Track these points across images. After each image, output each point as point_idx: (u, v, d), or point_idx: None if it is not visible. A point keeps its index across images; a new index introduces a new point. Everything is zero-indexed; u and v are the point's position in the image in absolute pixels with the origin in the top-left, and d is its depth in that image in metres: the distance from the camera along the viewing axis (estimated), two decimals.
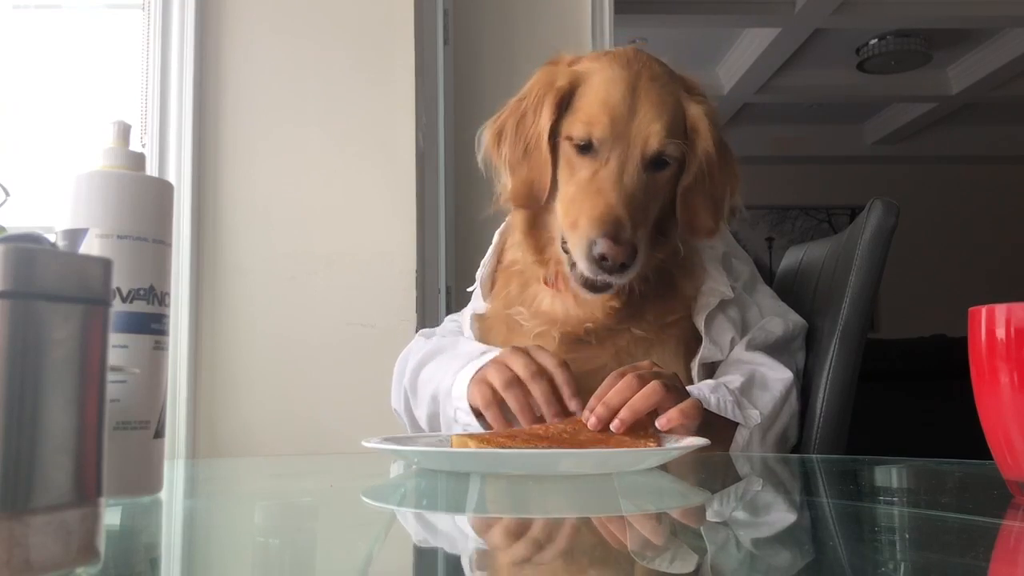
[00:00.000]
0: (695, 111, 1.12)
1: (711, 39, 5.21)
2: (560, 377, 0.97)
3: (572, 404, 0.95)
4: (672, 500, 0.76)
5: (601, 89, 1.09)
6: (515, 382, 0.98)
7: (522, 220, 1.17)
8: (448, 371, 1.14)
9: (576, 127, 1.09)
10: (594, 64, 1.12)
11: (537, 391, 0.96)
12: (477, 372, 1.05)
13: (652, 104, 1.08)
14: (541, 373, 0.97)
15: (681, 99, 1.12)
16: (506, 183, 1.15)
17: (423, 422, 1.21)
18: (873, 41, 5.14)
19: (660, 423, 0.90)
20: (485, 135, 1.19)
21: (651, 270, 1.13)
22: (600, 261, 1.02)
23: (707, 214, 1.13)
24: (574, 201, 1.08)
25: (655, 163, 1.08)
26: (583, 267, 1.05)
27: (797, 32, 4.79)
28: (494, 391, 1.01)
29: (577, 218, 1.06)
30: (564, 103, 1.11)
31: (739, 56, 5.32)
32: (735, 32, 5.12)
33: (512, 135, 1.14)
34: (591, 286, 1.07)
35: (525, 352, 1.01)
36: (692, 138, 1.11)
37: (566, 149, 1.10)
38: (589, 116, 1.08)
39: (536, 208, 1.15)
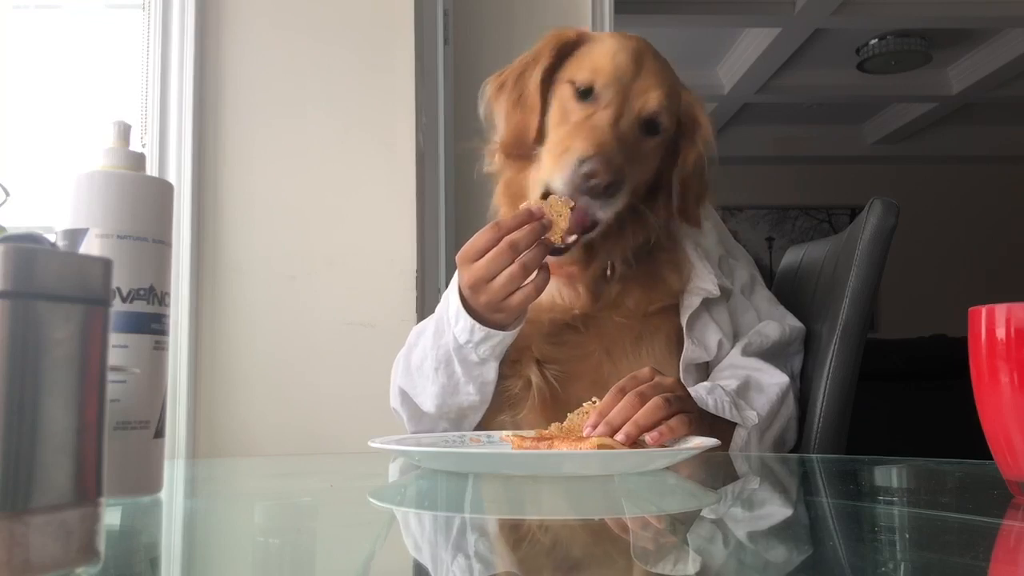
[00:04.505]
0: (691, 99, 1.16)
1: (711, 39, 5.21)
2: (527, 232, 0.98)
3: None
4: (674, 501, 0.76)
5: (609, 48, 1.13)
6: (503, 250, 0.98)
7: (504, 181, 1.18)
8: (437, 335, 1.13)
9: (581, 72, 1.12)
10: (602, 35, 1.18)
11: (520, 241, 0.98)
12: (459, 255, 1.04)
13: (654, 73, 1.12)
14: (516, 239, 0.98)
15: (678, 87, 1.16)
16: (501, 133, 1.17)
17: (431, 402, 1.15)
18: (873, 41, 5.13)
19: (651, 438, 0.86)
20: (488, 88, 1.21)
21: (631, 253, 1.14)
22: (585, 179, 1.02)
23: (695, 205, 1.17)
24: (567, 136, 1.08)
25: (648, 126, 1.11)
26: (561, 184, 1.03)
27: (797, 32, 4.79)
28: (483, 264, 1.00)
29: (569, 145, 1.06)
30: (567, 51, 1.15)
31: (739, 56, 5.32)
32: (735, 32, 5.11)
33: (511, 86, 1.18)
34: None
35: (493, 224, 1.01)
36: (690, 127, 1.15)
37: (564, 94, 1.12)
38: (595, 64, 1.11)
39: (524, 154, 1.15)
